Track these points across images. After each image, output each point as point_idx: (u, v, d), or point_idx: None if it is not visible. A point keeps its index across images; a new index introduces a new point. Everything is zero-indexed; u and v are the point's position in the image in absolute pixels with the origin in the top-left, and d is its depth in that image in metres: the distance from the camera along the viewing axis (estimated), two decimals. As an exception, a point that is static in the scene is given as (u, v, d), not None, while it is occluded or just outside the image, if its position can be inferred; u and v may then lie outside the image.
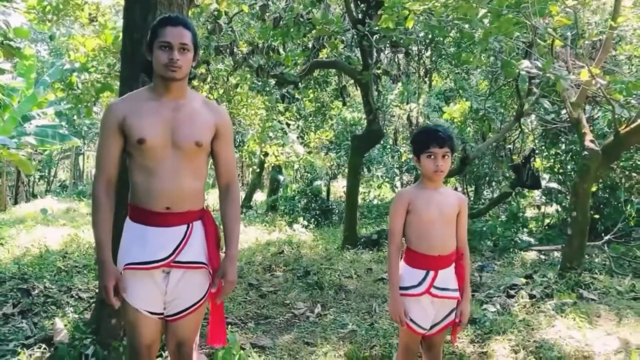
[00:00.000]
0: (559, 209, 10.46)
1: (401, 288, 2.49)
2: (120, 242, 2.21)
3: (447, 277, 2.52)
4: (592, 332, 4.10)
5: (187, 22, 2.14)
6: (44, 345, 3.27)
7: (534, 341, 3.81)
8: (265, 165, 12.86)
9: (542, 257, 7.71)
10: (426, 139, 2.46)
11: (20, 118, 11.33)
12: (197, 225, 2.21)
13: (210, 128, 2.19)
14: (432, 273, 2.49)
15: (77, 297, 4.59)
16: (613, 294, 5.32)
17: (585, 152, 5.60)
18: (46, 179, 20.92)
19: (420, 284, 2.48)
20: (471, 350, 3.69)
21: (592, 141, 5.60)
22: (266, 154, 9.85)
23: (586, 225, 5.75)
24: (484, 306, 4.69)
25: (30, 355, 3.22)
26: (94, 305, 3.68)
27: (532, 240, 8.61)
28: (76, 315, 3.72)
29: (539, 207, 11.73)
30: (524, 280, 5.53)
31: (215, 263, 2.21)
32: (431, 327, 2.54)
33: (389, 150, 13.73)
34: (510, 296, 5.16)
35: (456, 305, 2.56)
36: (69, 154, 20.49)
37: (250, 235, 8.74)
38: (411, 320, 2.48)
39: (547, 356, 3.59)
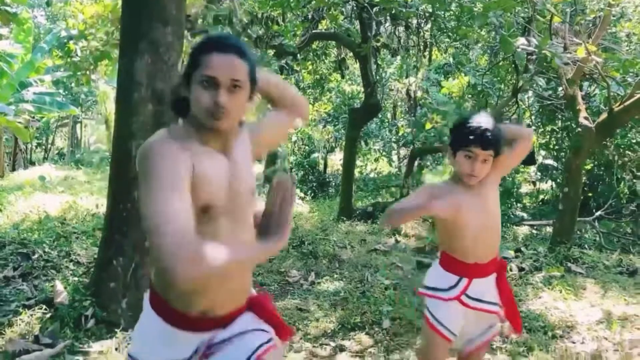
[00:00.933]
0: (554, 186, 10.58)
1: (429, 288, 2.23)
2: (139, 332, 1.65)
3: (483, 287, 2.18)
4: (577, 303, 4.23)
5: (242, 48, 1.51)
6: (44, 306, 3.38)
7: (520, 311, 3.93)
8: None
9: (534, 231, 7.84)
10: (469, 134, 2.09)
11: (18, 85, 11.32)
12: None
13: (255, 154, 1.69)
14: (465, 280, 2.16)
15: (76, 261, 4.68)
16: (600, 268, 5.45)
17: (579, 129, 5.67)
18: (44, 147, 20.92)
19: (450, 289, 2.18)
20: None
21: (586, 118, 5.65)
22: (264, 126, 9.88)
23: (577, 201, 5.85)
24: (473, 277, 4.81)
25: (31, 315, 3.33)
26: (92, 269, 3.77)
27: (525, 215, 8.74)
28: (76, 278, 3.82)
29: (534, 184, 11.84)
30: (513, 254, 5.65)
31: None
32: (468, 342, 2.25)
33: (387, 124, 13.77)
34: (500, 269, 5.28)
35: (498, 321, 2.24)
36: (67, 122, 20.46)
37: (247, 206, 8.83)
38: (437, 321, 2.17)
39: (532, 325, 3.71)
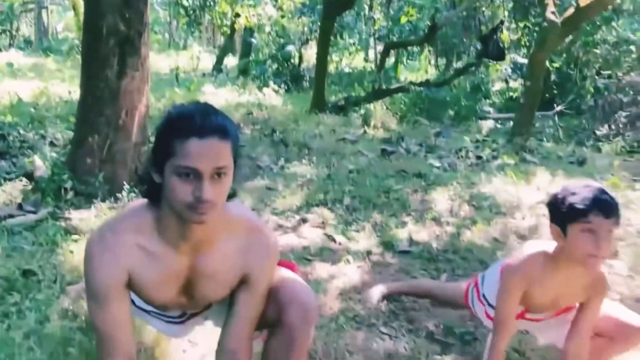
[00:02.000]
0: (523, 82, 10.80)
1: (490, 304, 2.08)
2: None
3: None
4: (526, 187, 4.58)
5: (223, 126, 1.28)
6: (25, 179, 3.58)
7: (471, 193, 4.27)
8: (237, 27, 12.65)
9: (499, 125, 8.15)
10: (584, 201, 1.68)
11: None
12: None
13: (236, 279, 1.52)
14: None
15: (52, 143, 4.83)
16: (553, 158, 5.81)
17: (545, 23, 5.79)
18: (9, 33, 20.15)
19: None
20: (413, 198, 4.14)
21: (553, 13, 5.76)
22: (237, 15, 9.71)
23: (538, 94, 6.10)
24: (430, 161, 5.13)
25: (13, 187, 3.53)
26: (69, 148, 3.94)
27: (492, 110, 9.01)
28: (54, 155, 3.99)
29: (506, 81, 12.04)
30: (472, 144, 5.95)
31: None
32: None
33: (363, 17, 13.55)
34: (459, 157, 5.59)
35: None
36: (32, 8, 19.60)
37: (220, 97, 8.89)
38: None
39: (480, 204, 4.06)
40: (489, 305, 2.08)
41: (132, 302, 1.55)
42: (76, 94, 5.54)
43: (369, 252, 3.25)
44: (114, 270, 1.39)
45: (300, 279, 1.64)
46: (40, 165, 3.62)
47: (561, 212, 1.75)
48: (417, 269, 3.10)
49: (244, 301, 1.53)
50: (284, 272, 1.63)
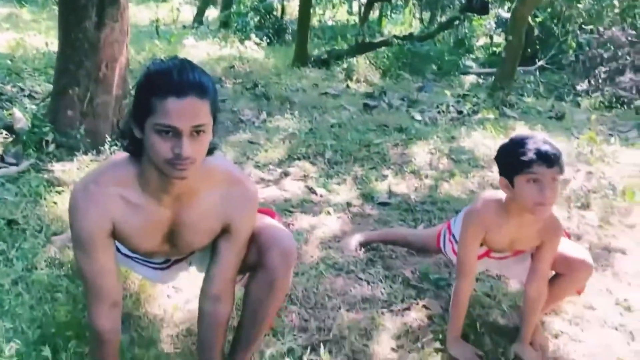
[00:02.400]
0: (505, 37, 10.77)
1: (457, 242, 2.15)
2: None
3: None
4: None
5: (201, 84, 1.30)
6: (5, 132, 3.56)
7: (451, 147, 4.35)
8: (218, -22, 12.32)
9: (481, 80, 8.18)
10: (527, 153, 1.77)
11: None
12: None
13: (218, 228, 1.57)
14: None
15: (31, 95, 4.77)
16: (533, 113, 5.90)
17: (528, -23, 5.77)
18: (-19, -17, 19.49)
19: None
20: (394, 152, 4.21)
21: (536, -34, 5.73)
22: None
23: (520, 49, 6.13)
24: (412, 114, 5.18)
25: (-7, 139, 3.52)
26: (49, 99, 3.91)
27: (474, 65, 9.02)
28: (34, 107, 3.96)
29: (490, 36, 12.00)
30: (454, 99, 6.00)
31: None
32: None
33: (348, -32, 13.30)
34: (440, 112, 5.64)
35: None
36: (4, -44, 18.90)
37: (201, 50, 8.77)
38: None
39: (459, 158, 4.14)
40: (457, 243, 2.18)
41: (118, 249, 1.61)
42: (53, 46, 5.45)
43: (349, 204, 3.33)
44: (99, 220, 1.43)
45: (279, 225, 1.70)
46: (20, 117, 3.60)
47: (507, 165, 1.86)
48: (395, 220, 3.19)
49: (226, 248, 1.58)
50: (264, 218, 1.70)
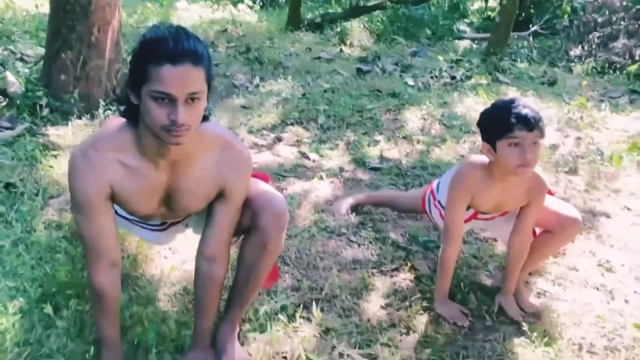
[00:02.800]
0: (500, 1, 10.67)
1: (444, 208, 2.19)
2: None
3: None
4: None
5: (195, 51, 1.33)
6: (-2, 96, 3.57)
7: (443, 112, 4.38)
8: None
9: (475, 45, 8.15)
10: (508, 118, 1.83)
11: None
12: None
13: (213, 192, 1.61)
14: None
15: (22, 59, 4.74)
16: (525, 78, 5.90)
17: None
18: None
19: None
20: (386, 117, 4.24)
21: None
22: None
23: (514, 13, 6.10)
24: (405, 80, 5.19)
25: (-14, 103, 3.53)
26: (42, 64, 3.90)
27: (469, 29, 8.97)
28: (26, 71, 3.95)
29: (486, 1, 11.88)
30: (447, 64, 5.99)
31: None
32: None
33: None
34: (433, 77, 5.65)
35: None
36: None
37: (194, 14, 8.67)
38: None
39: (451, 124, 4.18)
40: (444, 208, 2.25)
41: (116, 212, 1.66)
42: (44, 8, 5.39)
43: (341, 169, 3.38)
44: (97, 185, 1.47)
45: (272, 189, 1.75)
46: (13, 81, 3.60)
47: (489, 131, 1.92)
48: (386, 184, 3.25)
49: (221, 212, 1.63)
50: (258, 183, 1.75)
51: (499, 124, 1.86)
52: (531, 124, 1.82)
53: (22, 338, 1.73)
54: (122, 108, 1.51)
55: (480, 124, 2.00)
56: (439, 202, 2.31)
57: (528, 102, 1.91)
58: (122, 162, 1.48)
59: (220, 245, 1.67)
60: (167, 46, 1.30)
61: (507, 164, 1.89)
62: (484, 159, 2.05)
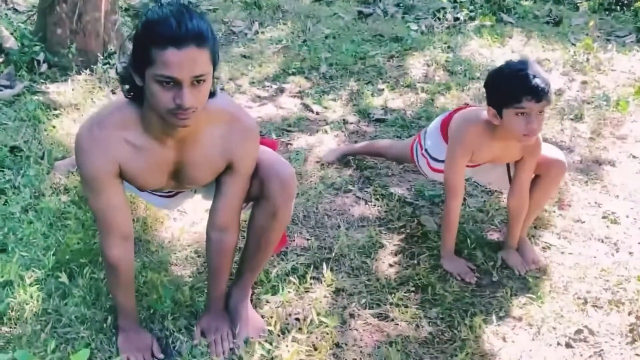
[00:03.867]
0: None
1: (431, 157, 2.28)
2: None
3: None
4: (501, 50, 4.62)
5: (200, 32, 1.29)
6: (-6, 52, 3.49)
7: (447, 57, 4.30)
8: None
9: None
10: (516, 88, 1.82)
11: None
12: None
13: (221, 165, 1.62)
14: None
15: (14, 9, 4.61)
16: (529, 18, 5.76)
17: None
18: None
19: None
20: (389, 64, 4.17)
21: None
22: None
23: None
24: (408, 24, 5.07)
25: (-18, 60, 3.46)
26: (36, 17, 3.79)
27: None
28: (21, 24, 3.85)
29: None
30: (450, 4, 5.82)
31: None
32: None
33: None
34: (437, 19, 5.51)
35: None
36: None
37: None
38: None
39: (455, 70, 4.11)
40: (432, 158, 2.28)
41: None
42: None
43: (345, 121, 3.35)
44: (104, 163, 1.47)
45: (279, 157, 1.75)
46: (7, 35, 3.51)
47: (496, 97, 1.91)
48: (391, 136, 3.23)
49: (230, 183, 1.64)
50: (265, 150, 1.74)
51: (507, 92, 1.85)
52: (540, 95, 1.80)
53: (40, 308, 1.77)
54: (125, 89, 1.48)
55: (487, 87, 1.97)
56: (426, 150, 2.31)
57: (538, 69, 1.86)
58: (128, 141, 1.48)
59: (231, 215, 1.69)
60: (170, 28, 1.27)
61: (511, 131, 1.90)
62: (482, 115, 2.04)
